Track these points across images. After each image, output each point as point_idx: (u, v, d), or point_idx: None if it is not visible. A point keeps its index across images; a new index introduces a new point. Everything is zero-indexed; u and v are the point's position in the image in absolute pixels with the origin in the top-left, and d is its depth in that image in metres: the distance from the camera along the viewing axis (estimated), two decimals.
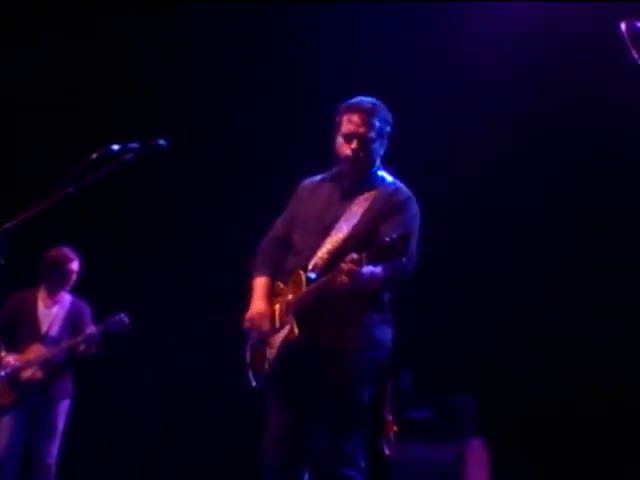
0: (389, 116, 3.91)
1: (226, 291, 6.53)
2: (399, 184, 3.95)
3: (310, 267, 3.78)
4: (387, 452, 3.93)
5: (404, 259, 3.64)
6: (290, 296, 3.79)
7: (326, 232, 3.82)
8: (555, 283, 6.69)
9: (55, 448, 5.94)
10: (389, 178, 3.94)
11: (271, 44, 6.93)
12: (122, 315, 5.92)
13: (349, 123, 3.84)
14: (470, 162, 6.62)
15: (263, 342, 3.87)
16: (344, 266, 3.51)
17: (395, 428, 6.38)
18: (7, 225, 3.21)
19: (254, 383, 3.91)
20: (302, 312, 3.72)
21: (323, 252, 3.78)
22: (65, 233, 6.27)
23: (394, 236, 3.47)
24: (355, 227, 3.79)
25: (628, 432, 6.32)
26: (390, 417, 3.94)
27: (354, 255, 3.53)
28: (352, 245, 3.67)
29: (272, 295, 3.93)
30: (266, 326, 3.84)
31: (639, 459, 6.16)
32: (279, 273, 3.95)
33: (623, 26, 2.46)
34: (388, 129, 3.89)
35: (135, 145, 3.38)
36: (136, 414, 7.15)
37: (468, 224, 6.74)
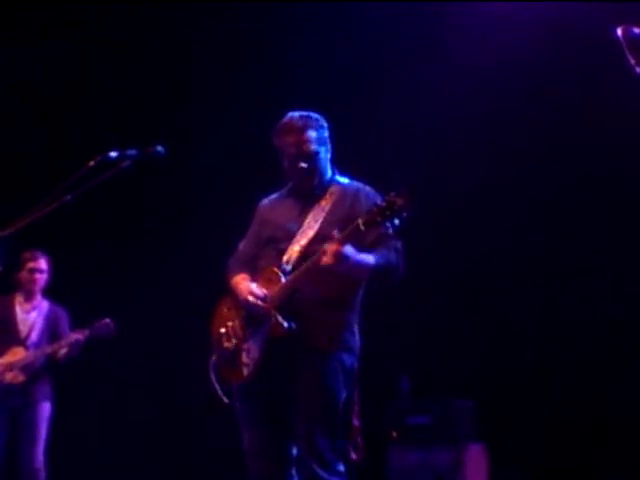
0: (321, 119, 3.89)
1: (211, 295, 6.57)
2: (357, 183, 3.93)
3: (284, 261, 3.76)
4: (353, 457, 3.90)
5: (396, 256, 3.65)
6: (268, 292, 3.76)
7: (294, 236, 3.81)
8: (554, 287, 6.69)
9: (40, 452, 5.94)
10: (345, 180, 3.94)
11: (262, 50, 6.94)
12: (107, 320, 5.96)
13: (288, 146, 3.83)
14: (461, 164, 6.62)
15: (234, 352, 3.84)
16: (327, 246, 3.51)
17: (394, 434, 6.39)
18: (4, 232, 3.21)
19: (226, 400, 3.86)
20: (285, 307, 3.68)
21: (295, 248, 3.77)
22: (52, 238, 6.30)
23: (388, 196, 3.43)
24: (324, 221, 3.77)
25: (627, 437, 6.31)
26: (357, 423, 3.92)
27: (336, 233, 3.53)
28: (324, 238, 3.66)
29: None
30: (263, 291, 3.77)
31: (637, 464, 6.15)
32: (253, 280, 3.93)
33: (619, 32, 2.46)
34: (326, 134, 3.88)
35: (133, 152, 3.38)
36: (121, 417, 7.14)
37: (465, 228, 6.74)
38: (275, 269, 3.75)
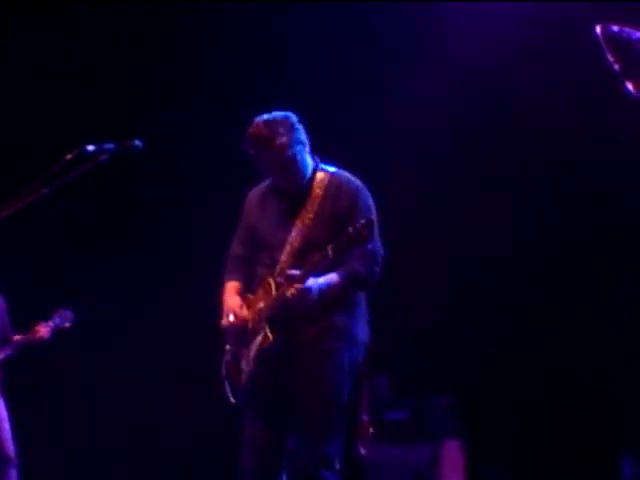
0: (291, 118, 3.81)
1: (195, 294, 6.57)
2: (343, 175, 3.92)
3: (277, 272, 3.78)
4: (363, 452, 3.94)
5: (363, 263, 3.68)
6: (261, 304, 3.79)
7: (285, 243, 3.82)
8: (534, 283, 6.70)
9: (10, 444, 5.86)
10: (331, 169, 3.91)
11: (255, 47, 6.91)
12: (64, 309, 5.93)
13: (262, 160, 3.80)
14: (454, 164, 6.63)
15: (237, 356, 3.85)
16: (288, 289, 3.62)
17: (371, 429, 6.39)
18: None
19: (232, 399, 3.89)
20: (275, 317, 3.72)
21: (284, 257, 3.79)
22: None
23: (357, 225, 3.54)
24: (311, 227, 3.79)
25: (606, 433, 6.35)
26: (366, 418, 3.96)
27: (293, 272, 3.63)
28: (312, 242, 3.68)
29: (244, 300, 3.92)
30: (243, 315, 3.81)
31: (616, 461, 6.18)
32: (249, 286, 3.93)
33: (598, 29, 2.47)
34: (298, 130, 3.80)
35: (110, 146, 3.36)
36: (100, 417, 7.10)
37: (447, 224, 6.74)
38: (269, 280, 3.78)
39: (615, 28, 2.45)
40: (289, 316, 3.72)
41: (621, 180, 6.20)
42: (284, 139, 3.73)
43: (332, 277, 3.71)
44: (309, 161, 3.88)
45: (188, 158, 7.08)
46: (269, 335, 3.70)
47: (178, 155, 7.07)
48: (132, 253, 7.03)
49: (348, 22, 6.66)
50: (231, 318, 3.86)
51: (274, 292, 3.73)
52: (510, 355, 6.61)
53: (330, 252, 3.56)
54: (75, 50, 7.00)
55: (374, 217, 3.75)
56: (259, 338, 3.75)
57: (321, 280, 3.67)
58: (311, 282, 3.63)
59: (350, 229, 3.54)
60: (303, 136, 3.83)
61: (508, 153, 6.58)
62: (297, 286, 3.61)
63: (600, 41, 2.47)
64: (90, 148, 3.31)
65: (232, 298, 3.90)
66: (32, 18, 6.87)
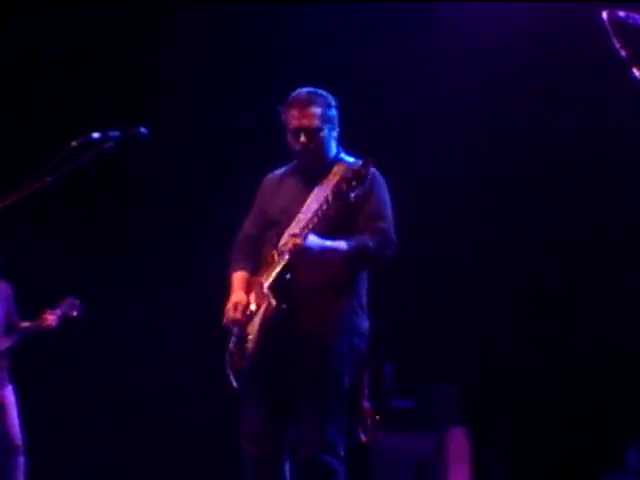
0: (330, 99, 3.92)
1: (194, 285, 6.58)
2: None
3: (280, 245, 3.78)
4: (363, 439, 3.94)
5: (376, 239, 3.69)
6: (264, 277, 3.78)
7: (293, 219, 3.83)
8: (539, 273, 6.70)
9: (18, 432, 5.90)
10: (350, 159, 3.95)
11: (252, 38, 6.89)
12: (71, 298, 5.93)
13: (292, 119, 3.86)
14: (457, 160, 6.63)
15: (241, 338, 3.85)
16: (286, 243, 3.65)
17: (376, 417, 6.39)
18: None
19: (235, 384, 3.89)
20: (278, 284, 3.71)
21: (292, 230, 3.78)
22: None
23: (355, 166, 3.65)
24: (323, 205, 3.76)
25: (609, 423, 6.35)
26: (368, 405, 3.95)
27: (294, 231, 3.66)
28: (322, 218, 3.68)
29: (249, 288, 3.90)
30: (241, 314, 3.82)
31: (619, 450, 6.19)
32: (256, 269, 3.94)
33: (605, 15, 2.46)
34: (333, 112, 3.90)
35: (116, 133, 3.36)
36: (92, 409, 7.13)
37: (450, 214, 6.74)
38: (273, 253, 3.78)
39: (622, 14, 2.44)
40: (294, 284, 3.70)
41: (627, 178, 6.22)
42: (319, 110, 3.85)
43: (340, 242, 3.70)
44: (333, 145, 3.93)
45: (192, 152, 7.07)
46: (272, 302, 3.68)
47: (182, 149, 7.07)
48: (135, 244, 7.04)
49: (347, 22, 6.65)
50: (232, 314, 3.84)
51: (277, 261, 3.74)
52: (516, 342, 6.62)
53: (330, 196, 3.60)
54: (77, 44, 7.00)
55: (389, 209, 3.83)
56: (262, 308, 3.73)
57: (327, 242, 3.67)
58: (313, 238, 3.63)
59: (347, 172, 3.62)
60: (336, 120, 3.93)
61: (508, 153, 6.58)
62: (295, 241, 3.61)
63: (607, 27, 2.46)
64: (95, 135, 3.32)
65: (235, 293, 3.89)
66: (34, 12, 6.87)
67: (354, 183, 3.59)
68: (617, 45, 2.44)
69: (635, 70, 2.45)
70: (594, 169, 6.48)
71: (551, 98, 6.40)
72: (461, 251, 6.76)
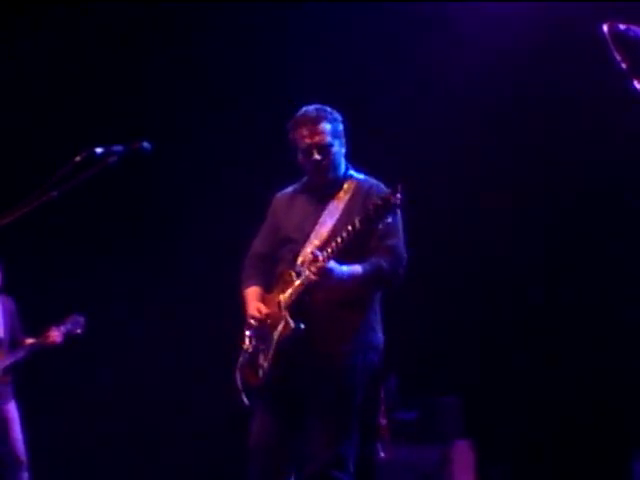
0: (337, 115, 3.93)
1: (198, 295, 6.58)
2: (372, 180, 3.97)
3: (299, 263, 3.79)
4: (382, 455, 3.94)
5: (389, 260, 3.68)
6: (281, 296, 3.79)
7: (309, 237, 3.84)
8: (542, 284, 6.69)
9: (22, 447, 5.91)
10: (360, 176, 3.97)
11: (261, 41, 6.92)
12: (76, 315, 5.95)
13: (302, 138, 3.86)
14: (461, 163, 6.63)
15: (255, 354, 3.85)
16: (310, 265, 3.62)
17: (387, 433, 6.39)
18: None
19: (246, 401, 3.88)
20: (296, 305, 3.72)
21: (308, 250, 3.78)
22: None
23: (383, 194, 3.57)
24: (339, 220, 3.80)
25: (614, 433, 6.34)
26: (385, 421, 3.95)
27: (317, 252, 3.64)
28: (345, 242, 3.67)
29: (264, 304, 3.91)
30: (265, 316, 3.82)
31: (625, 461, 6.17)
32: (268, 287, 3.95)
33: (605, 28, 2.47)
34: (341, 127, 3.92)
35: (119, 148, 3.37)
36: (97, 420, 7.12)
37: (452, 226, 6.74)
38: (290, 271, 3.79)
39: (622, 26, 2.45)
40: (310, 303, 3.71)
41: (626, 180, 6.21)
42: (328, 126, 3.86)
43: (356, 267, 3.71)
44: (342, 162, 3.94)
45: (194, 160, 7.08)
46: (290, 322, 3.69)
47: (185, 157, 7.08)
48: (142, 257, 7.04)
49: (348, 22, 6.66)
50: (252, 321, 3.85)
51: (295, 280, 3.74)
52: (520, 354, 6.61)
53: (357, 223, 3.56)
54: (81, 50, 7.02)
55: (399, 224, 3.82)
56: (279, 328, 3.74)
57: (344, 268, 3.67)
58: (333, 264, 3.63)
59: (377, 199, 3.56)
60: (343, 136, 3.94)
61: (509, 153, 6.59)
62: (319, 264, 3.60)
63: (607, 40, 2.47)
64: (98, 150, 3.33)
65: (253, 303, 3.91)
66: (39, 17, 6.89)
67: (384, 212, 3.53)
68: (618, 58, 2.45)
69: (636, 82, 2.46)
70: (595, 178, 6.47)
71: (551, 105, 6.41)
72: (464, 264, 6.76)
